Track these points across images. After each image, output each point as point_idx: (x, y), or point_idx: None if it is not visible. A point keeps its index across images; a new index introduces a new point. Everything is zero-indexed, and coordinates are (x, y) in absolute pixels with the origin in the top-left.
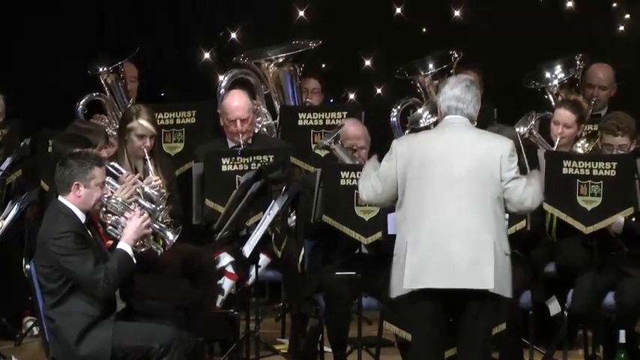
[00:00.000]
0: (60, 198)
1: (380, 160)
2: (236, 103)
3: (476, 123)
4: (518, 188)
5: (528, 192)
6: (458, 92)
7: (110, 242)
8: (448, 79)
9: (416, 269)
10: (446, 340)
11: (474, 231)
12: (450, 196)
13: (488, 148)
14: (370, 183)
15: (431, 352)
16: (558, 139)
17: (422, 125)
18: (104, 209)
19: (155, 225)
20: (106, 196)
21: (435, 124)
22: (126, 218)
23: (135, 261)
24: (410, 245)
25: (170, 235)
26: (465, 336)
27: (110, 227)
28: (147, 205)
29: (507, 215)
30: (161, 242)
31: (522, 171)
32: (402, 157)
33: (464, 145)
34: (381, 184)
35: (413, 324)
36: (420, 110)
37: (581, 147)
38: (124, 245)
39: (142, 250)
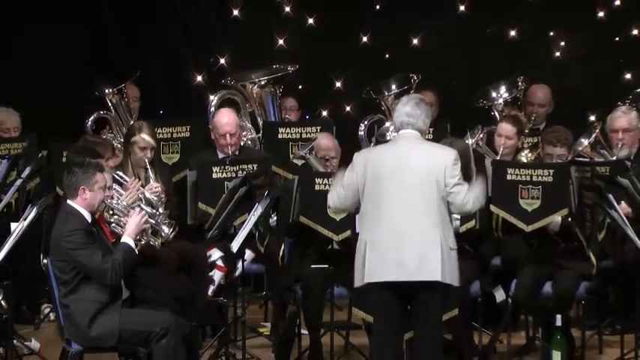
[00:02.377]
0: (68, 201)
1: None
2: (225, 119)
3: (428, 135)
4: (461, 193)
5: (469, 196)
6: (409, 109)
7: (114, 240)
8: (402, 98)
9: (374, 265)
10: (405, 324)
11: (423, 230)
12: (402, 201)
13: (435, 158)
14: (336, 192)
15: (389, 335)
16: (502, 149)
17: (388, 138)
18: (111, 211)
19: (151, 220)
20: (112, 199)
21: None
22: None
23: (137, 252)
24: (369, 244)
25: (165, 229)
26: (419, 321)
27: (114, 225)
28: (147, 209)
29: (458, 216)
30: (159, 238)
31: (470, 177)
32: (360, 167)
33: (414, 156)
34: (344, 192)
35: (374, 311)
36: (386, 124)
37: (525, 156)
38: (127, 239)
39: (142, 242)
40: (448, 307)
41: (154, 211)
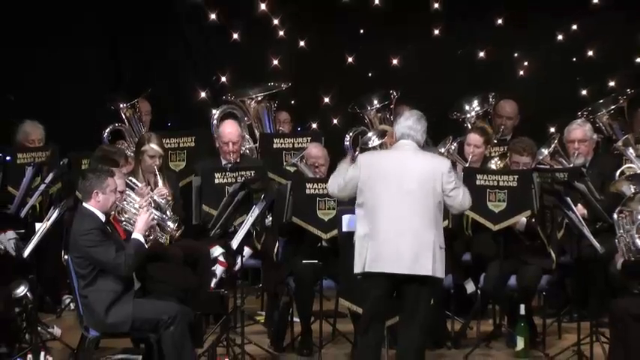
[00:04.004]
0: (84, 204)
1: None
2: (229, 129)
3: (379, 143)
4: (459, 196)
5: (466, 197)
6: (411, 123)
7: (125, 237)
8: (404, 112)
9: (374, 256)
10: (388, 311)
11: (418, 230)
12: (401, 202)
13: (432, 167)
14: (337, 181)
15: (377, 318)
16: (471, 156)
17: (370, 146)
18: (122, 212)
19: (157, 215)
20: (124, 201)
21: (380, 146)
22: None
23: (146, 247)
24: (370, 237)
25: (171, 224)
26: (408, 310)
27: (125, 223)
28: (157, 213)
29: None
30: (167, 235)
31: None
32: (365, 168)
33: (413, 163)
34: (344, 185)
35: (367, 296)
36: (369, 134)
37: (495, 164)
38: (137, 235)
39: (151, 238)
40: None
41: (162, 214)
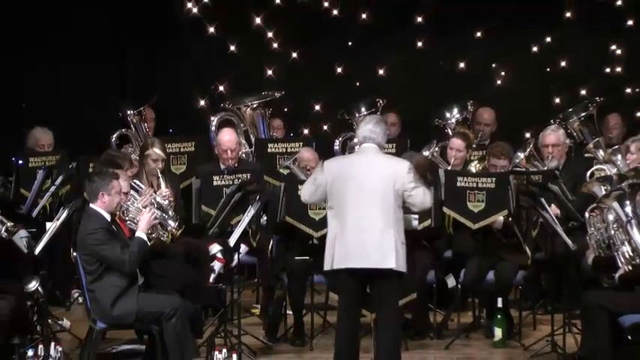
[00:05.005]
0: (91, 205)
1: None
2: (227, 137)
3: (391, 150)
4: (419, 195)
5: (427, 196)
6: (371, 127)
7: (130, 235)
8: (364, 117)
9: (341, 254)
10: (362, 302)
11: (381, 227)
12: (365, 202)
13: (392, 168)
14: (308, 187)
15: (351, 310)
16: (453, 160)
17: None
18: (129, 215)
19: (158, 213)
20: (129, 202)
21: None
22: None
23: (149, 244)
24: (337, 237)
25: (172, 223)
26: (379, 302)
27: (129, 222)
28: (159, 213)
29: (417, 216)
30: (168, 233)
31: (430, 183)
32: (329, 173)
33: (374, 166)
34: (314, 189)
35: (340, 292)
36: (355, 140)
37: (474, 167)
38: (140, 234)
39: (153, 236)
40: (408, 292)
41: (164, 215)
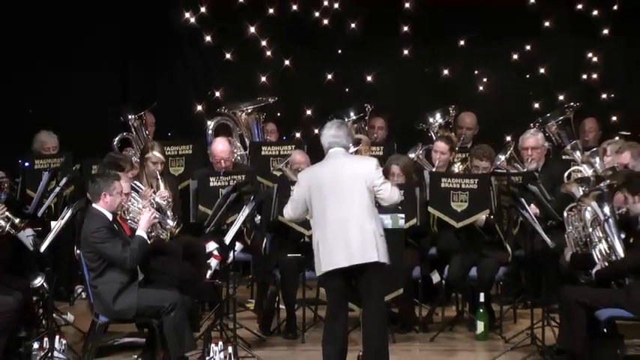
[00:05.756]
0: (94, 205)
1: None
2: (220, 147)
3: (378, 152)
4: (387, 190)
5: (394, 192)
6: (333, 132)
7: (130, 234)
8: (325, 124)
9: (327, 257)
10: (350, 297)
11: (360, 224)
12: (341, 203)
13: (360, 167)
14: (289, 204)
15: (340, 306)
16: (437, 162)
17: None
18: (130, 214)
19: (157, 214)
20: (129, 202)
21: (356, 152)
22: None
23: (149, 242)
24: (320, 242)
25: (170, 222)
26: (365, 295)
27: (130, 221)
28: (158, 214)
29: (403, 215)
30: (167, 232)
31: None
32: (305, 183)
33: (345, 167)
34: (295, 205)
35: (327, 291)
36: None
37: (457, 168)
38: (141, 232)
39: (153, 234)
40: (394, 288)
41: (162, 215)
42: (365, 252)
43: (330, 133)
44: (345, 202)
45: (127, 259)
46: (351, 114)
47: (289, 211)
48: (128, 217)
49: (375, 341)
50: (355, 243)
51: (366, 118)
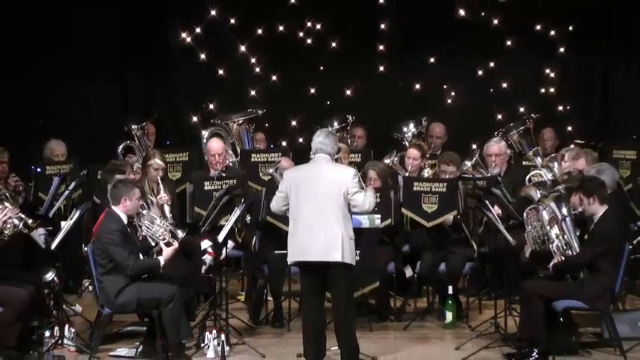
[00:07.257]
0: (113, 207)
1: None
2: (215, 144)
3: (356, 159)
4: (359, 199)
5: (366, 200)
6: (321, 139)
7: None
8: (316, 131)
9: (296, 249)
10: (322, 291)
11: (329, 225)
12: (315, 204)
13: (339, 175)
14: (275, 198)
15: (312, 298)
16: (410, 167)
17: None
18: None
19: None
20: (142, 209)
21: (337, 159)
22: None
23: (161, 270)
24: (291, 234)
25: (180, 233)
26: (332, 291)
27: (145, 228)
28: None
29: (379, 215)
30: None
31: (391, 188)
32: (289, 181)
33: (325, 172)
34: (280, 199)
35: (301, 275)
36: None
37: (427, 173)
38: (161, 259)
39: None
40: (371, 281)
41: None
42: (328, 252)
43: (319, 140)
44: (319, 203)
45: (130, 267)
46: (335, 124)
47: (274, 205)
48: (140, 223)
49: (342, 330)
50: (320, 242)
51: (348, 127)
